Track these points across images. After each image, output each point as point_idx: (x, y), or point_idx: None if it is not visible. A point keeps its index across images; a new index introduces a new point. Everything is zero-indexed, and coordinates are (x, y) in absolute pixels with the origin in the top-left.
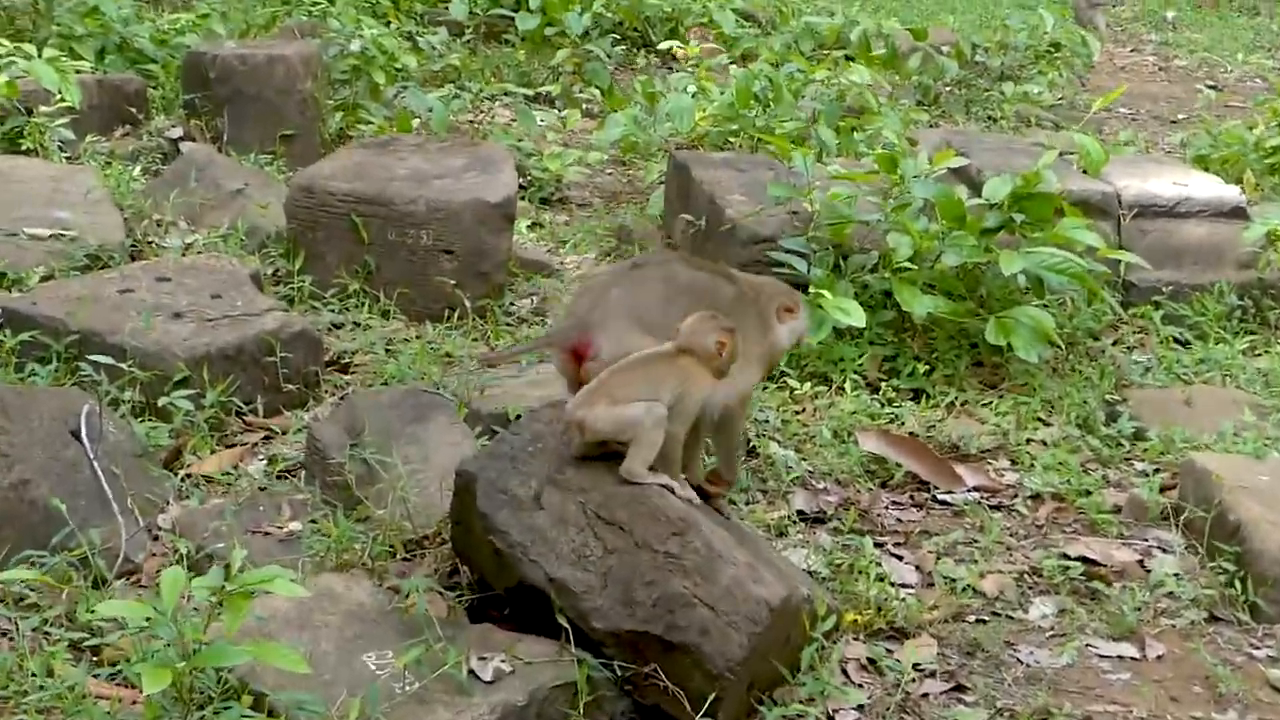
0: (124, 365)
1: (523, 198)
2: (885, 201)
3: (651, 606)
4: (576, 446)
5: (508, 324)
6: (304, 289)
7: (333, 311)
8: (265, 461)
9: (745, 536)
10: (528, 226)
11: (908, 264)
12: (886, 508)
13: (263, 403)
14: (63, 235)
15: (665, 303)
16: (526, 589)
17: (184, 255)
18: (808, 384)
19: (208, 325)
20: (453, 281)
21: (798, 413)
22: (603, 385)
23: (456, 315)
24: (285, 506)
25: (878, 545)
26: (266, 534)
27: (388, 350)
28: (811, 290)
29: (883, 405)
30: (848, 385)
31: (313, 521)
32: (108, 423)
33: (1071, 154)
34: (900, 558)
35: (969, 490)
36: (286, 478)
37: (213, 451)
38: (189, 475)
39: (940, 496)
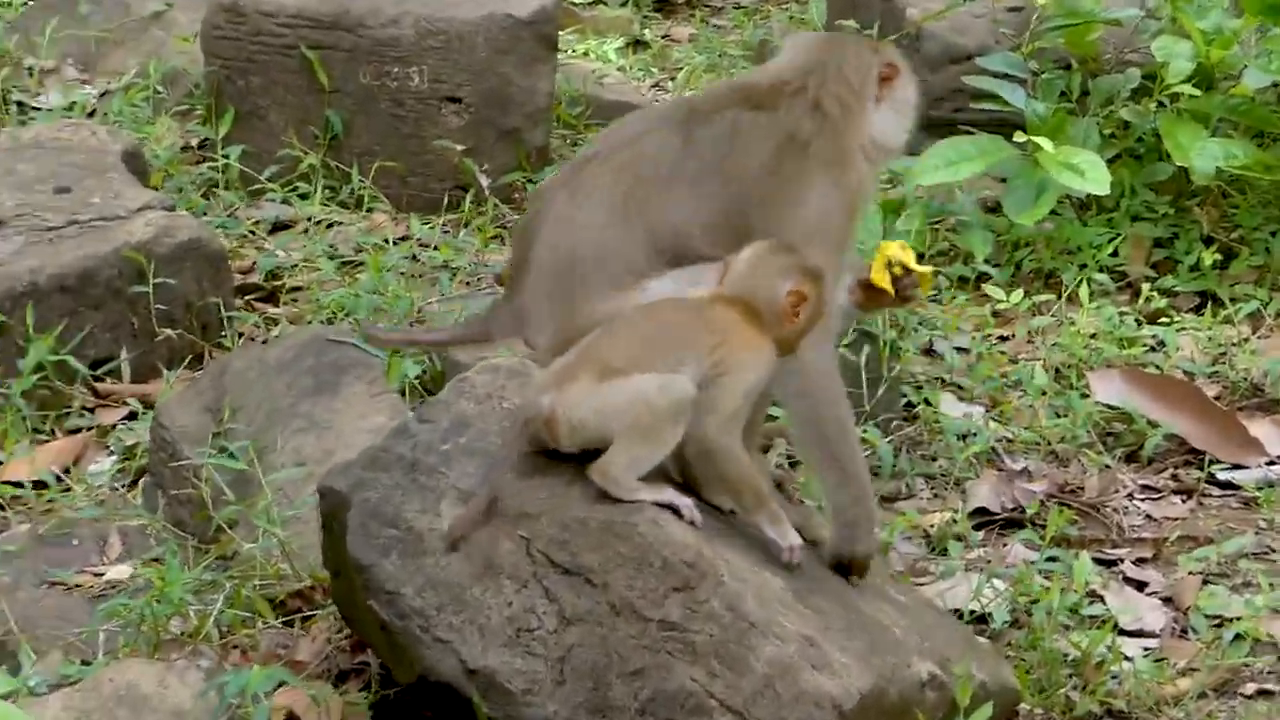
0: None
1: (624, 3)
2: None
3: (639, 714)
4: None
5: None
6: (230, 170)
7: (276, 202)
8: (117, 458)
9: (822, 584)
10: (619, 49)
11: (1188, 88)
12: (1130, 497)
13: (130, 359)
14: None
15: (656, 205)
16: (434, 686)
17: (66, 119)
18: (1020, 291)
19: (42, 239)
20: (461, 147)
21: (1001, 339)
22: (589, 350)
23: (470, 200)
24: (114, 537)
25: (1104, 563)
26: (74, 587)
27: (347, 263)
28: (1027, 138)
29: (1141, 323)
30: (1085, 291)
31: (155, 561)
32: None
33: None
34: (1142, 585)
35: (1270, 463)
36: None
37: (35, 442)
38: None
39: (1223, 475)
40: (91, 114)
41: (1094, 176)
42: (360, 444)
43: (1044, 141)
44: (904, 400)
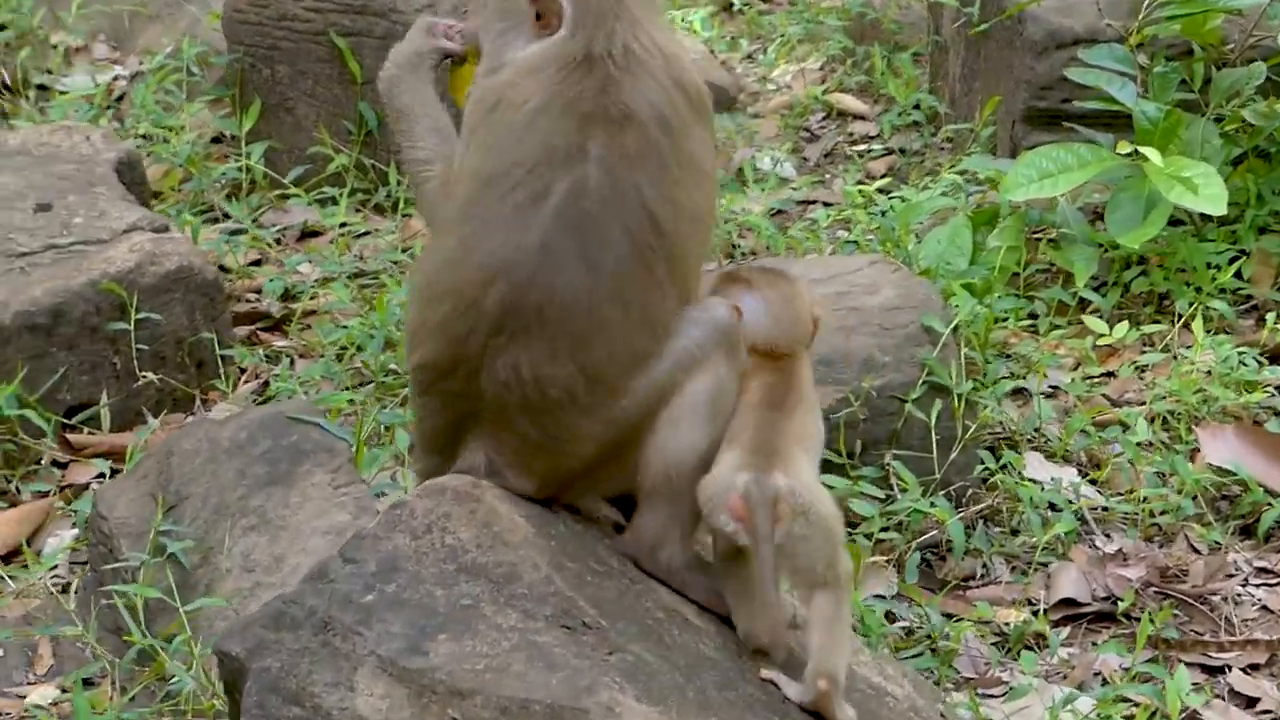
0: None
1: None
2: None
3: None
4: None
5: None
6: (255, 171)
7: (303, 204)
8: (79, 531)
9: None
10: (706, 18)
11: None
12: (1245, 582)
13: (110, 404)
14: None
15: None
16: None
17: (101, 97)
18: (1125, 323)
19: (13, 266)
20: None
21: (1104, 377)
22: (778, 420)
23: None
24: (45, 647)
25: (1210, 669)
26: None
27: (369, 284)
28: (1132, 145)
29: (1265, 361)
30: (1198, 323)
31: (87, 682)
32: None
33: None
34: (1253, 702)
35: None
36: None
37: None
38: None
39: None
40: (120, 99)
41: (1209, 194)
42: (315, 549)
43: (1151, 153)
44: (981, 465)
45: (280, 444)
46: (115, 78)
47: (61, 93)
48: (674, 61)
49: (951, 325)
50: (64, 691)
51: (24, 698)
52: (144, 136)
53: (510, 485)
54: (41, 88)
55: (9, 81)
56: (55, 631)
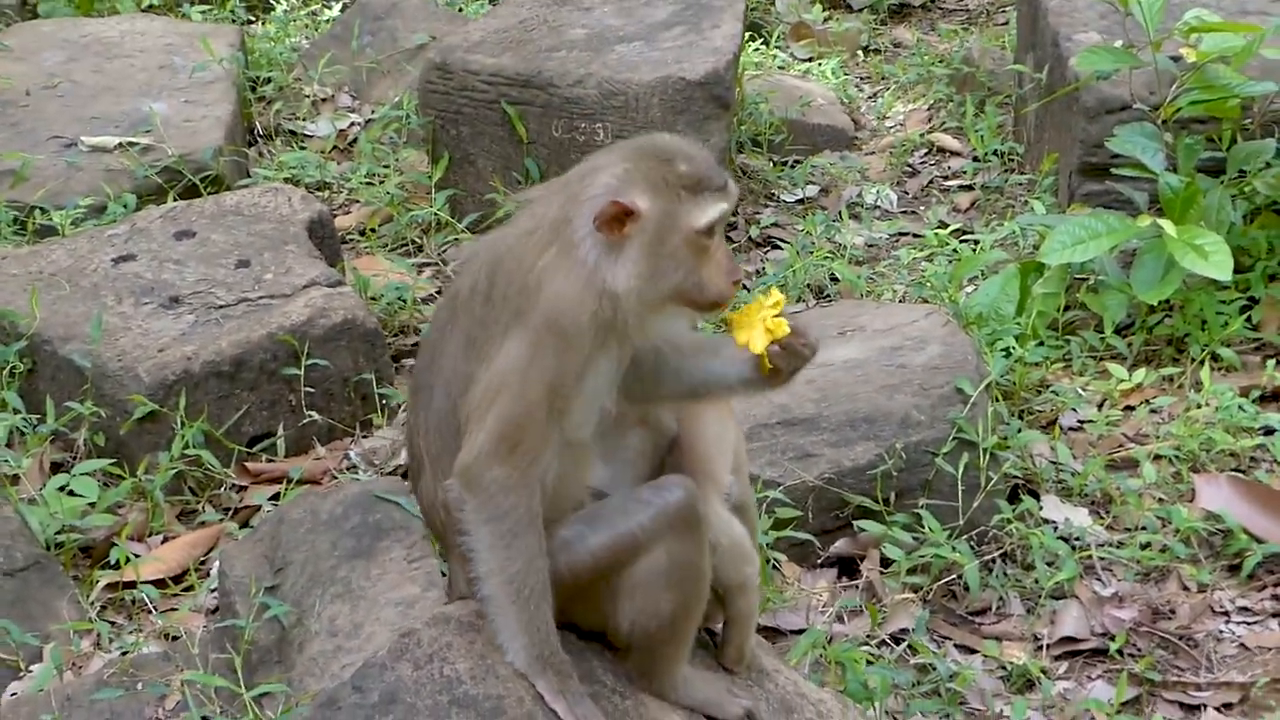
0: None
1: (865, 7)
2: None
3: None
4: None
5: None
6: (438, 217)
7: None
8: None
9: None
10: (834, 68)
11: None
12: (1227, 619)
13: (286, 435)
14: (133, 145)
15: None
16: None
17: (335, 141)
18: (1143, 370)
19: (211, 318)
20: None
21: (1126, 411)
22: None
23: None
24: (174, 688)
25: (1188, 708)
26: None
27: None
28: (1152, 217)
29: (1259, 412)
30: (1205, 370)
31: None
32: None
33: None
34: None
35: None
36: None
37: (186, 523)
38: (119, 585)
39: None
40: (354, 141)
41: (1217, 260)
42: (388, 619)
43: (1167, 224)
44: (998, 514)
45: (367, 520)
46: (351, 124)
47: (306, 136)
48: (537, 286)
49: (982, 386)
50: None
51: None
52: (365, 181)
53: None
54: (291, 133)
55: (261, 129)
56: (162, 691)
